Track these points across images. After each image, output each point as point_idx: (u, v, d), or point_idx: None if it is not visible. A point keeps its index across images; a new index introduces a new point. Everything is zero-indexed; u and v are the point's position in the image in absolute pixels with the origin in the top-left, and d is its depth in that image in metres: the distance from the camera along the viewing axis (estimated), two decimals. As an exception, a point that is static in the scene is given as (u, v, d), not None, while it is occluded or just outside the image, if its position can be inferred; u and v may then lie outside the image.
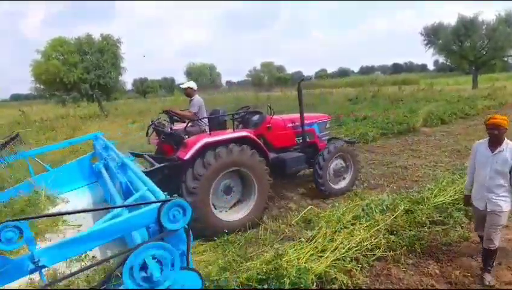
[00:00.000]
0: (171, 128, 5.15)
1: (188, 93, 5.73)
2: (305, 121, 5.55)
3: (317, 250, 3.44)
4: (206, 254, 3.82)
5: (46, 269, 1.80)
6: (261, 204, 4.70)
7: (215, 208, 4.47)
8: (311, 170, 5.65)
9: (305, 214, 4.68)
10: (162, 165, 4.42)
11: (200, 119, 5.19)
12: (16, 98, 76.51)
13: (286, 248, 3.54)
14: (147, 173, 3.85)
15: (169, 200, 1.80)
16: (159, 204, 1.80)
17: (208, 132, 4.66)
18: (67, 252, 1.68)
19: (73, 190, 4.96)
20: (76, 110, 25.35)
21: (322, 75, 58.87)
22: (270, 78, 69.31)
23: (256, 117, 5.70)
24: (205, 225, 4.14)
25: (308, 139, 5.63)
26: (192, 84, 5.87)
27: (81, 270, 1.98)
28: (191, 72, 69.64)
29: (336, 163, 5.66)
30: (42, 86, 26.70)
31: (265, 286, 2.89)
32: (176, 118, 5.40)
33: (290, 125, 5.62)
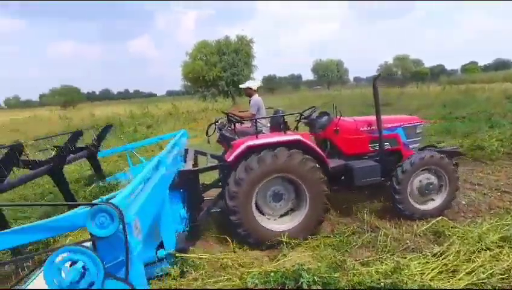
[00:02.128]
0: (220, 129, 5.16)
1: (248, 93, 5.59)
2: (385, 125, 4.65)
3: (446, 268, 2.97)
4: (319, 250, 3.77)
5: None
6: (314, 216, 4.10)
7: (264, 215, 4.19)
8: None
9: (434, 225, 4.10)
10: (209, 166, 4.37)
11: (257, 120, 5.02)
12: (170, 93, 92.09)
13: (408, 259, 3.18)
14: (193, 172, 3.90)
15: (95, 205, 1.66)
16: (89, 208, 1.67)
17: (265, 134, 4.44)
18: (13, 241, 1.80)
19: None
20: (214, 105, 28.56)
21: (470, 68, 50.15)
22: (404, 72, 63.09)
23: (323, 119, 5.14)
24: (247, 231, 3.93)
25: (388, 146, 4.75)
26: (252, 84, 5.72)
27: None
28: (318, 69, 69.52)
29: (423, 178, 4.50)
30: (189, 84, 31.18)
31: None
32: (234, 119, 5.36)
33: (365, 128, 4.78)
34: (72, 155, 5.49)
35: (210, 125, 5.50)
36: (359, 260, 3.49)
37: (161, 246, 3.12)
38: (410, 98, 22.18)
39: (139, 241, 1.88)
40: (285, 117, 4.84)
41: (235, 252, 3.77)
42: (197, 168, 4.10)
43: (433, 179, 4.53)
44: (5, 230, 1.79)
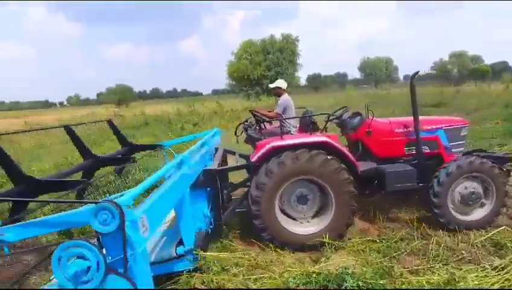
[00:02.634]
0: (246, 129, 5.07)
1: (277, 92, 5.43)
2: (424, 126, 4.31)
3: (509, 284, 2.69)
4: (364, 254, 3.62)
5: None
6: (341, 219, 3.90)
7: (289, 218, 4.07)
8: None
9: (495, 235, 3.74)
10: (233, 166, 4.34)
11: (284, 120, 4.85)
12: (215, 92, 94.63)
13: (464, 271, 2.94)
14: (217, 171, 3.80)
15: (97, 202, 1.70)
16: (93, 205, 1.71)
17: (291, 134, 4.27)
18: (27, 233, 1.87)
19: None
20: (258, 103, 28.77)
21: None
22: (461, 70, 58.80)
23: (355, 119, 4.84)
24: (271, 235, 3.84)
25: (427, 149, 4.39)
26: (280, 83, 5.53)
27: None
28: (365, 67, 67.21)
29: (466, 186, 4.09)
30: (233, 82, 31.76)
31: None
32: (260, 118, 5.22)
33: (400, 130, 4.46)
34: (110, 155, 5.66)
35: (239, 125, 5.50)
36: (408, 267, 3.29)
37: (181, 243, 3.17)
38: (467, 97, 20.63)
39: (144, 239, 1.90)
40: (315, 117, 4.67)
41: (276, 251, 3.74)
42: (221, 167, 4.05)
43: (478, 187, 4.11)
44: (21, 222, 1.92)
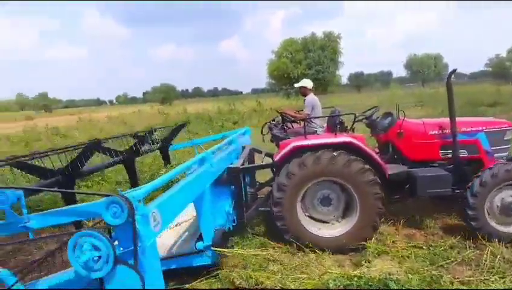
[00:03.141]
0: (271, 129, 5.03)
1: (302, 92, 5.33)
2: (462, 128, 4.02)
3: None
4: (409, 261, 3.43)
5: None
6: (366, 222, 3.73)
7: (315, 220, 3.95)
8: None
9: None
10: (257, 165, 4.29)
11: (310, 120, 4.73)
12: (254, 91, 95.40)
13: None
14: (239, 169, 3.75)
15: (108, 196, 1.76)
16: (105, 198, 1.76)
17: (314, 134, 4.21)
18: (48, 221, 1.99)
19: None
20: (298, 102, 28.48)
21: None
22: (521, 67, 54.04)
23: (386, 120, 4.58)
24: (293, 236, 3.76)
25: (464, 153, 4.07)
26: (306, 83, 5.41)
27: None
28: (412, 64, 64.08)
29: (507, 195, 3.75)
30: (273, 81, 31.74)
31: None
32: (287, 118, 5.13)
33: (435, 132, 4.18)
34: (145, 148, 6.10)
35: (265, 124, 5.46)
36: (458, 278, 3.06)
37: (201, 239, 3.23)
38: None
39: (154, 233, 1.94)
40: (344, 118, 4.56)
41: (315, 252, 3.67)
42: (243, 165, 4.01)
43: None
44: (44, 211, 2.04)
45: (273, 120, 5.53)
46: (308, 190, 3.85)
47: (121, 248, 1.77)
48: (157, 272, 2.00)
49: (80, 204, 2.08)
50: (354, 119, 4.52)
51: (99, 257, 1.67)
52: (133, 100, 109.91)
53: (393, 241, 3.82)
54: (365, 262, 3.42)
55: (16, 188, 1.98)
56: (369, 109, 4.79)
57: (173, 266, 3.25)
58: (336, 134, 3.95)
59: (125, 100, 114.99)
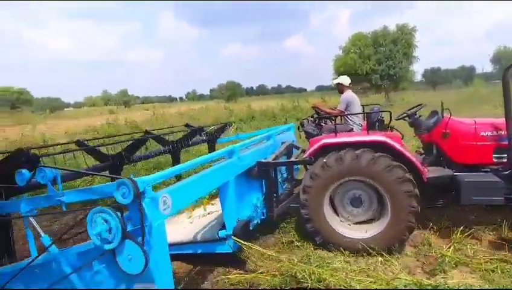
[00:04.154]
0: (302, 125, 5.08)
1: (340, 89, 5.27)
2: None
3: None
4: (493, 275, 3.03)
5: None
6: (398, 226, 3.49)
7: (346, 221, 3.86)
8: None
9: None
10: (286, 160, 4.27)
11: (347, 117, 4.72)
12: (319, 88, 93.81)
13: None
14: (271, 164, 3.78)
15: (119, 178, 1.96)
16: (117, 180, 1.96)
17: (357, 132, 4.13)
18: (77, 197, 2.23)
19: None
20: (366, 100, 27.24)
21: None
22: None
23: (431, 119, 4.25)
24: (323, 238, 3.70)
25: None
26: (343, 80, 5.28)
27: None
28: (500, 58, 56.96)
29: None
30: (339, 78, 30.67)
31: None
32: (320, 114, 5.11)
33: (488, 133, 3.78)
34: (194, 140, 6.50)
35: (302, 120, 5.44)
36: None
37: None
38: None
39: (163, 215, 2.09)
40: (384, 116, 4.45)
41: (382, 255, 3.45)
42: (273, 161, 3.98)
43: None
44: (74, 189, 2.30)
45: (312, 116, 5.48)
46: (336, 191, 3.79)
47: (132, 226, 1.96)
48: (163, 251, 2.11)
49: (100, 184, 2.42)
50: (390, 117, 4.39)
51: (110, 230, 1.88)
52: (201, 97, 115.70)
53: (474, 252, 3.44)
54: (440, 272, 3.13)
55: (53, 168, 2.27)
56: (413, 107, 4.55)
57: (199, 251, 3.51)
58: (368, 132, 3.82)
59: (193, 97, 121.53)
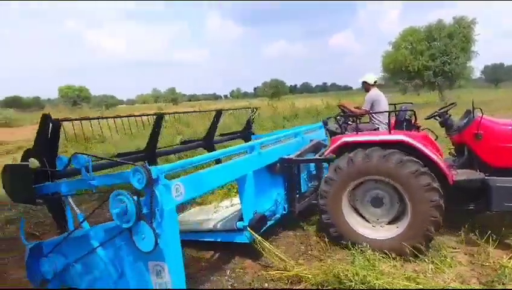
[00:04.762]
0: (325, 124, 5.10)
1: (366, 88, 5.22)
2: None
3: None
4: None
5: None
6: (418, 230, 3.36)
7: (362, 219, 3.80)
8: None
9: None
10: (307, 158, 4.22)
11: (373, 115, 4.77)
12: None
13: None
14: (293, 160, 3.85)
15: (135, 165, 2.16)
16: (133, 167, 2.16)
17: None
18: (103, 181, 2.47)
19: None
20: (416, 99, 25.82)
21: None
22: None
23: (464, 119, 4.08)
24: (337, 232, 3.70)
25: None
26: (367, 78, 5.19)
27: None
28: None
29: None
30: (387, 75, 29.31)
31: None
32: (347, 113, 5.11)
33: None
34: (228, 136, 6.35)
35: (326, 119, 5.44)
36: None
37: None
38: None
39: (175, 201, 2.30)
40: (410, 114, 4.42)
41: (432, 262, 3.26)
42: (295, 157, 3.99)
43: None
44: (101, 175, 2.57)
45: (338, 115, 5.34)
46: (358, 188, 3.74)
47: (147, 209, 2.16)
48: (174, 234, 2.29)
49: (118, 172, 2.73)
50: (415, 116, 4.38)
51: (127, 211, 2.11)
52: (245, 95, 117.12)
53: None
54: (499, 284, 2.86)
55: (87, 154, 2.47)
56: (446, 106, 4.39)
57: (218, 239, 3.72)
58: (390, 132, 3.78)
59: (238, 95, 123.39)
